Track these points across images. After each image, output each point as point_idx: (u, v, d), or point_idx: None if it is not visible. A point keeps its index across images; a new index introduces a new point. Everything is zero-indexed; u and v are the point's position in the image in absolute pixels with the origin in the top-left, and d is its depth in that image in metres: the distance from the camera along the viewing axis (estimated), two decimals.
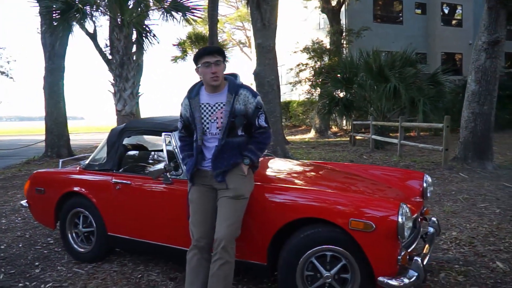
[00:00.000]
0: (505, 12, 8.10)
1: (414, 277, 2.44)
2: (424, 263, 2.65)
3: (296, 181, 3.14)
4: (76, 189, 3.69)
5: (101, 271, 3.53)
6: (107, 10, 7.71)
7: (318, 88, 17.85)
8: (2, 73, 17.11)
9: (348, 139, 15.49)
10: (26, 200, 4.25)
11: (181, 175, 3.10)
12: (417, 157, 9.98)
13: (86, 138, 24.10)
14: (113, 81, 7.78)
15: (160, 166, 3.04)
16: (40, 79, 11.70)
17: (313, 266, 2.62)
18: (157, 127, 3.40)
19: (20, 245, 4.32)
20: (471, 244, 3.92)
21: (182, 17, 7.65)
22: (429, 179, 3.45)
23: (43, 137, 12.36)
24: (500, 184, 6.67)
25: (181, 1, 7.51)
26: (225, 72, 2.69)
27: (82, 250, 3.77)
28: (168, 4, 7.62)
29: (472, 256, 3.64)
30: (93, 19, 8.99)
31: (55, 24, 8.05)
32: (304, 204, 2.66)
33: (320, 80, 17.48)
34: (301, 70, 18.66)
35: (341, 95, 14.81)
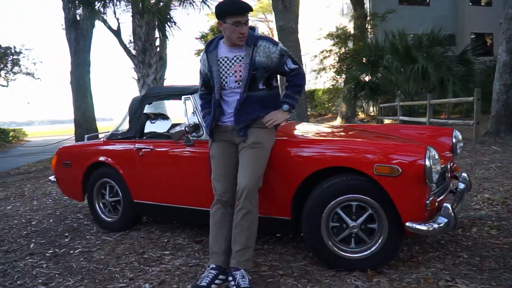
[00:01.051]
0: None
1: (444, 223, 2.33)
2: (455, 211, 2.54)
3: (321, 136, 3.07)
4: (101, 159, 3.74)
5: (128, 238, 3.57)
6: None
7: (343, 74, 17.58)
8: (28, 73, 17.60)
9: (375, 124, 15.20)
10: (54, 176, 4.35)
11: (202, 136, 3.09)
12: None
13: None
14: (136, 68, 7.87)
15: (181, 127, 3.03)
16: (67, 79, 12.00)
17: (338, 217, 2.55)
18: (177, 91, 3.39)
19: (51, 221, 4.43)
20: (504, 203, 3.77)
21: (202, 2, 7.64)
22: (459, 135, 3.31)
23: (73, 134, 12.68)
24: None
25: None
26: None
27: (110, 219, 3.82)
28: None
29: (505, 213, 3.51)
30: (116, 15, 9.15)
31: (78, 16, 8.20)
32: (326, 154, 2.58)
33: (345, 65, 17.19)
34: (325, 57, 18.42)
35: (367, 78, 14.51)
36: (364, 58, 14.67)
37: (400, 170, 2.33)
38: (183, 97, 3.26)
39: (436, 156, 2.39)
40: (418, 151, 2.36)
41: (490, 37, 23.86)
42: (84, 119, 11.96)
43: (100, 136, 5.08)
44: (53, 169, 4.33)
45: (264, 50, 2.55)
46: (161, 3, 8.06)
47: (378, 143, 2.62)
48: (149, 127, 3.56)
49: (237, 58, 2.58)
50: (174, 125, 3.97)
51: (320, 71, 18.55)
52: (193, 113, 3.19)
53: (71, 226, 4.16)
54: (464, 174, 3.27)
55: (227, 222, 2.57)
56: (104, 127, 36.14)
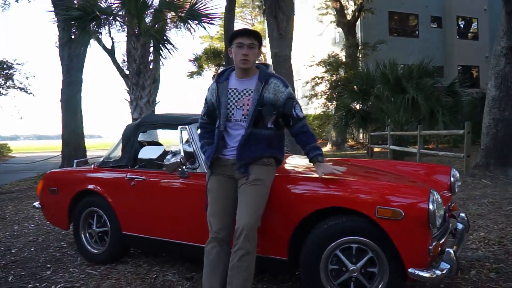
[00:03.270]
0: None
1: (447, 269, 2.26)
2: (457, 255, 2.47)
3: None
4: (90, 187, 3.61)
5: (115, 272, 3.41)
6: (124, 19, 7.77)
7: (334, 101, 17.73)
8: (21, 89, 17.38)
9: (365, 151, 15.27)
10: (38, 202, 4.19)
11: (198, 168, 3.00)
12: None
13: (104, 154, 24.20)
14: (129, 90, 7.79)
15: (176, 159, 2.94)
16: (58, 95, 11.86)
17: (337, 260, 2.46)
18: (173, 120, 3.32)
19: (32, 249, 4.23)
20: (500, 243, 3.72)
21: (197, 24, 7.65)
22: (457, 173, 3.27)
23: (60, 152, 12.44)
24: None
25: (198, 9, 7.52)
26: (257, 62, 2.61)
27: (96, 251, 3.66)
28: (185, 11, 7.63)
29: (502, 254, 3.45)
30: (111, 35, 9.06)
31: (72, 35, 8.15)
32: (326, 193, 2.51)
33: (336, 93, 17.36)
34: (317, 84, 18.59)
35: (358, 107, 14.64)
36: (355, 87, 14.84)
37: (403, 214, 2.26)
38: (179, 127, 3.17)
39: (440, 200, 2.34)
40: (421, 194, 2.30)
41: (476, 70, 24.42)
42: (73, 137, 11.76)
43: (89, 161, 4.92)
44: (38, 194, 4.17)
45: (274, 88, 2.53)
46: (157, 25, 8.05)
47: (379, 183, 2.56)
48: (142, 155, 3.46)
49: (247, 92, 2.54)
50: (166, 152, 3.88)
51: (311, 97, 18.68)
52: (188, 144, 3.10)
53: (53, 256, 3.97)
54: (462, 214, 3.22)
55: (223, 261, 2.45)
56: (92, 144, 35.77)
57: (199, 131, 2.83)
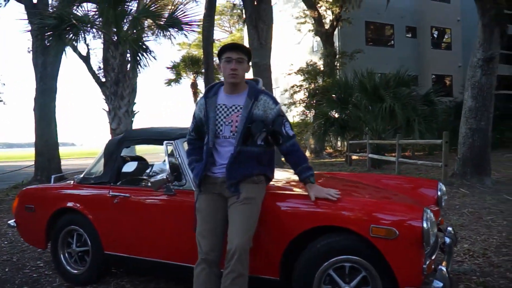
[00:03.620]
0: (499, 29, 8.17)
1: None
2: (449, 271, 2.46)
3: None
4: (69, 204, 3.46)
5: None
6: (101, 28, 7.60)
7: (312, 109, 17.85)
8: None
9: (344, 159, 15.39)
10: (14, 220, 3.98)
11: (185, 185, 2.91)
12: (415, 175, 9.85)
13: (78, 163, 23.51)
14: (107, 99, 7.61)
15: (162, 176, 2.86)
16: (30, 103, 11.48)
17: (330, 279, 2.41)
18: (158, 135, 3.22)
19: (7, 269, 4.02)
20: (485, 255, 3.76)
21: (177, 32, 7.55)
22: (443, 187, 3.29)
23: (33, 162, 12.03)
24: (501, 198, 6.59)
25: (177, 16, 7.42)
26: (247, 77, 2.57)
27: (76, 271, 3.50)
28: (164, 19, 7.52)
29: (488, 267, 3.48)
30: (86, 42, 8.85)
31: (47, 43, 7.92)
32: (319, 211, 2.46)
33: (315, 101, 17.49)
34: (295, 92, 18.69)
35: (336, 115, 14.78)
36: (334, 95, 14.99)
37: (397, 233, 2.23)
38: (165, 142, 3.08)
39: (433, 218, 2.33)
40: (415, 213, 2.29)
41: (450, 79, 25.09)
42: (47, 148, 11.38)
43: (67, 175, 4.74)
44: (13, 212, 3.98)
45: (263, 104, 2.48)
46: (135, 31, 7.90)
47: (373, 201, 2.53)
48: (126, 171, 3.34)
49: (235, 108, 2.48)
50: (151, 167, 3.76)
51: (290, 105, 18.76)
52: (175, 160, 3.01)
53: (30, 276, 3.79)
54: (449, 228, 3.23)
55: (213, 284, 2.38)
56: (66, 152, 34.78)
57: (186, 145, 2.76)
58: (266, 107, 2.48)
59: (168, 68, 22.95)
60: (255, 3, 9.81)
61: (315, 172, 2.67)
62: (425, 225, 2.22)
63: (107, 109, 7.53)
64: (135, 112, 7.77)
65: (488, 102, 8.21)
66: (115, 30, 7.25)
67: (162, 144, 3.12)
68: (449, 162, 8.28)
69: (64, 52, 8.28)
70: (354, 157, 14.34)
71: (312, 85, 18.28)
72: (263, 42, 9.49)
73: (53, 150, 11.56)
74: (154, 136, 3.26)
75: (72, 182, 3.71)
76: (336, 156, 18.23)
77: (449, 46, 25.03)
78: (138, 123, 8.01)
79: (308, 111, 18.43)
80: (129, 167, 3.37)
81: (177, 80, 23.27)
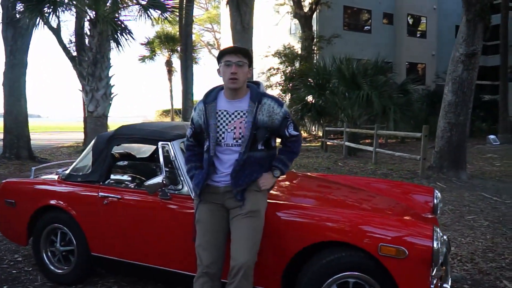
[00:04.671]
0: (482, 25, 8.25)
1: None
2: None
3: (315, 198, 2.90)
4: (54, 202, 3.26)
5: None
6: (79, 4, 7.18)
7: (288, 93, 17.80)
8: None
9: (319, 144, 15.49)
10: None
11: (181, 190, 2.79)
12: (391, 165, 10.02)
13: (45, 137, 22.62)
14: (83, 80, 7.26)
15: (158, 179, 2.71)
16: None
17: None
18: (153, 135, 3.04)
19: None
20: (473, 260, 3.83)
21: (160, 16, 7.23)
22: (439, 195, 3.30)
23: (1, 137, 11.50)
24: (478, 195, 6.76)
25: None
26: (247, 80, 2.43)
27: (60, 271, 3.34)
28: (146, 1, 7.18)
29: (477, 274, 3.54)
30: (58, 14, 8.36)
31: (18, 15, 7.41)
32: (326, 225, 2.40)
33: (291, 85, 17.43)
34: (272, 75, 18.57)
35: (313, 101, 14.78)
36: (311, 79, 14.95)
37: (407, 253, 2.20)
38: (160, 143, 2.92)
39: (443, 237, 2.31)
40: (426, 232, 2.26)
41: (423, 67, 25.51)
42: (16, 124, 10.83)
43: (49, 166, 4.50)
44: None
45: (268, 109, 2.35)
46: (115, 11, 7.52)
47: (381, 218, 2.49)
48: (116, 171, 3.17)
49: (238, 114, 2.35)
50: (143, 167, 3.61)
51: (266, 88, 18.60)
52: (171, 163, 2.87)
53: (9, 273, 3.59)
54: (444, 237, 3.25)
55: None
56: (31, 125, 33.07)
57: (183, 146, 2.63)
58: (271, 112, 2.37)
59: (142, 44, 22.22)
60: None
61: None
62: (435, 245, 2.19)
63: (85, 91, 7.18)
64: (113, 95, 7.44)
65: (468, 97, 8.35)
66: (94, 7, 6.85)
67: (156, 145, 2.97)
68: (418, 149, 8.40)
69: (37, 25, 7.72)
70: (329, 143, 14.45)
71: (289, 69, 18.17)
72: (246, 26, 9.26)
73: (23, 127, 11.03)
74: (148, 136, 3.08)
75: (56, 177, 3.51)
76: (310, 141, 18.31)
77: (424, 34, 25.33)
78: (114, 103, 7.70)
79: (284, 95, 18.35)
80: (120, 166, 3.19)
81: (151, 57, 22.61)
